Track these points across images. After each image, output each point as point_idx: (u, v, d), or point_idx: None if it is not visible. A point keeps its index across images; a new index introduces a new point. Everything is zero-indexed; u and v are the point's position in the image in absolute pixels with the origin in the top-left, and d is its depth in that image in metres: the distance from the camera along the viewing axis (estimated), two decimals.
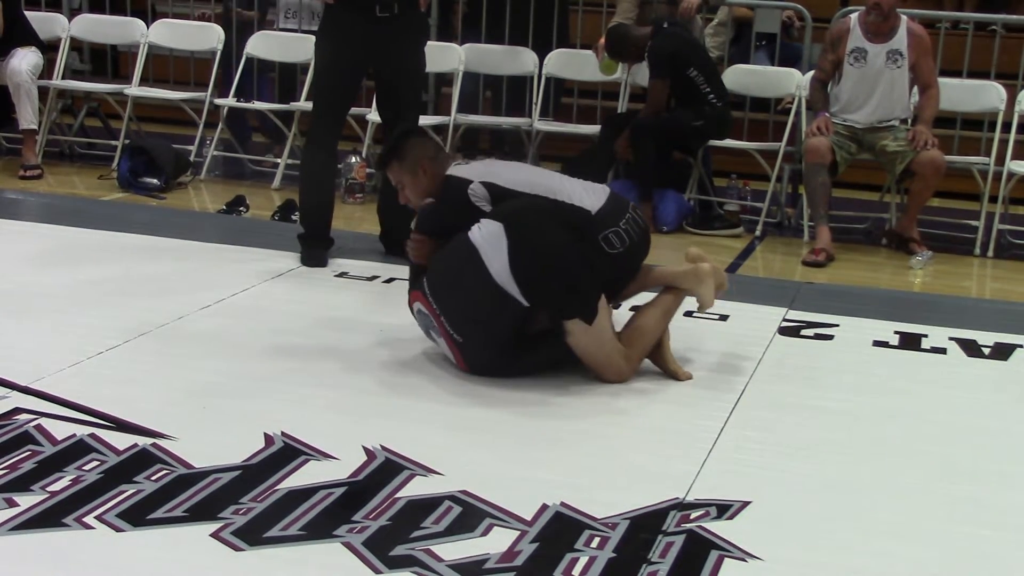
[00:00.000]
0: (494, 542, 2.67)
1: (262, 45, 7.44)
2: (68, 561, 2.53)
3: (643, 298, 4.04)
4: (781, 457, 3.26)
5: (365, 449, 3.13)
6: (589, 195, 3.85)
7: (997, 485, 3.16)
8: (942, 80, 6.21)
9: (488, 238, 3.64)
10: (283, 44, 7.44)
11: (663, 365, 3.89)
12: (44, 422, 3.21)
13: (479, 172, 3.89)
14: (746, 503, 2.92)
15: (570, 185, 3.90)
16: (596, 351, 3.73)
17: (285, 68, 7.61)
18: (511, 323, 3.67)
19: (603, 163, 6.70)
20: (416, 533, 2.69)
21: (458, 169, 3.91)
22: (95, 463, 2.98)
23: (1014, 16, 7.44)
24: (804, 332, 4.48)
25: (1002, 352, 4.36)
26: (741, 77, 6.84)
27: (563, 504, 2.86)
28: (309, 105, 5.57)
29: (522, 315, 3.65)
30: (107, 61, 8.68)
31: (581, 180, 4.00)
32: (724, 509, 2.88)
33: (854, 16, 6.15)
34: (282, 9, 7.71)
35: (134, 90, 7.44)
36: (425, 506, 2.82)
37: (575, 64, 7.14)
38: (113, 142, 7.55)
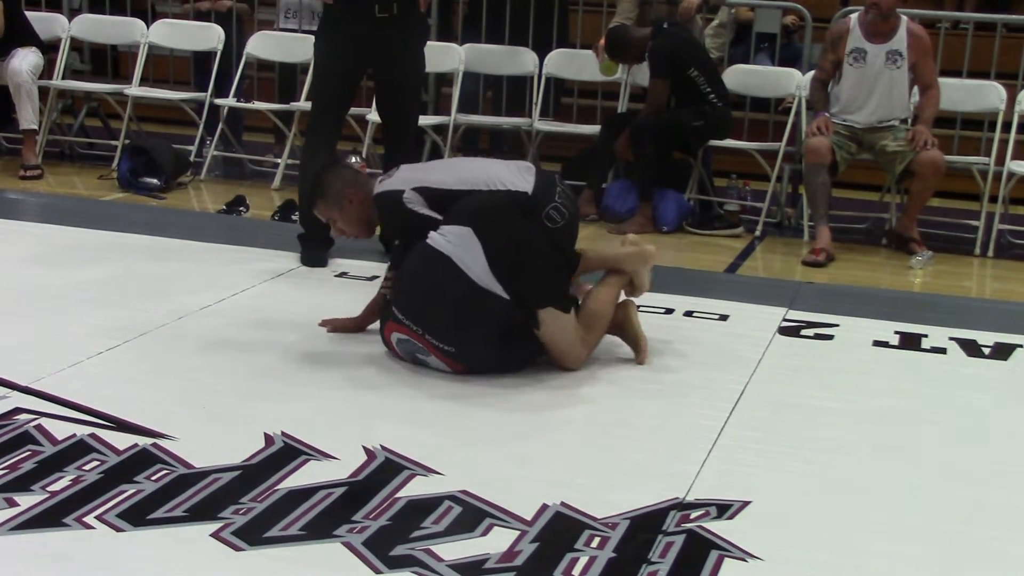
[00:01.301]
0: (494, 542, 2.67)
1: (262, 45, 7.44)
2: (68, 561, 2.53)
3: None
4: (781, 457, 3.26)
5: (365, 449, 3.12)
6: (520, 176, 3.89)
7: (997, 485, 3.16)
8: (942, 80, 6.21)
9: (459, 244, 3.65)
10: (283, 44, 7.43)
11: (629, 339, 3.99)
12: (44, 422, 3.21)
13: (406, 180, 3.91)
14: (746, 503, 2.92)
15: (500, 170, 3.93)
16: (562, 340, 3.78)
17: (285, 68, 7.61)
18: (498, 319, 3.67)
19: (603, 163, 6.71)
20: (416, 533, 2.69)
21: (383, 185, 3.94)
22: (95, 463, 2.98)
23: (1014, 16, 7.43)
24: (804, 332, 4.48)
25: (1002, 352, 4.36)
26: (741, 77, 6.83)
27: (563, 504, 2.86)
28: (309, 105, 5.56)
29: (506, 308, 3.66)
30: (107, 61, 8.67)
31: (505, 161, 4.04)
32: (724, 509, 2.88)
33: (854, 16, 6.14)
34: (282, 9, 7.72)
35: (134, 90, 7.43)
36: (425, 506, 2.82)
37: (575, 64, 7.14)
38: (113, 142, 7.55)
